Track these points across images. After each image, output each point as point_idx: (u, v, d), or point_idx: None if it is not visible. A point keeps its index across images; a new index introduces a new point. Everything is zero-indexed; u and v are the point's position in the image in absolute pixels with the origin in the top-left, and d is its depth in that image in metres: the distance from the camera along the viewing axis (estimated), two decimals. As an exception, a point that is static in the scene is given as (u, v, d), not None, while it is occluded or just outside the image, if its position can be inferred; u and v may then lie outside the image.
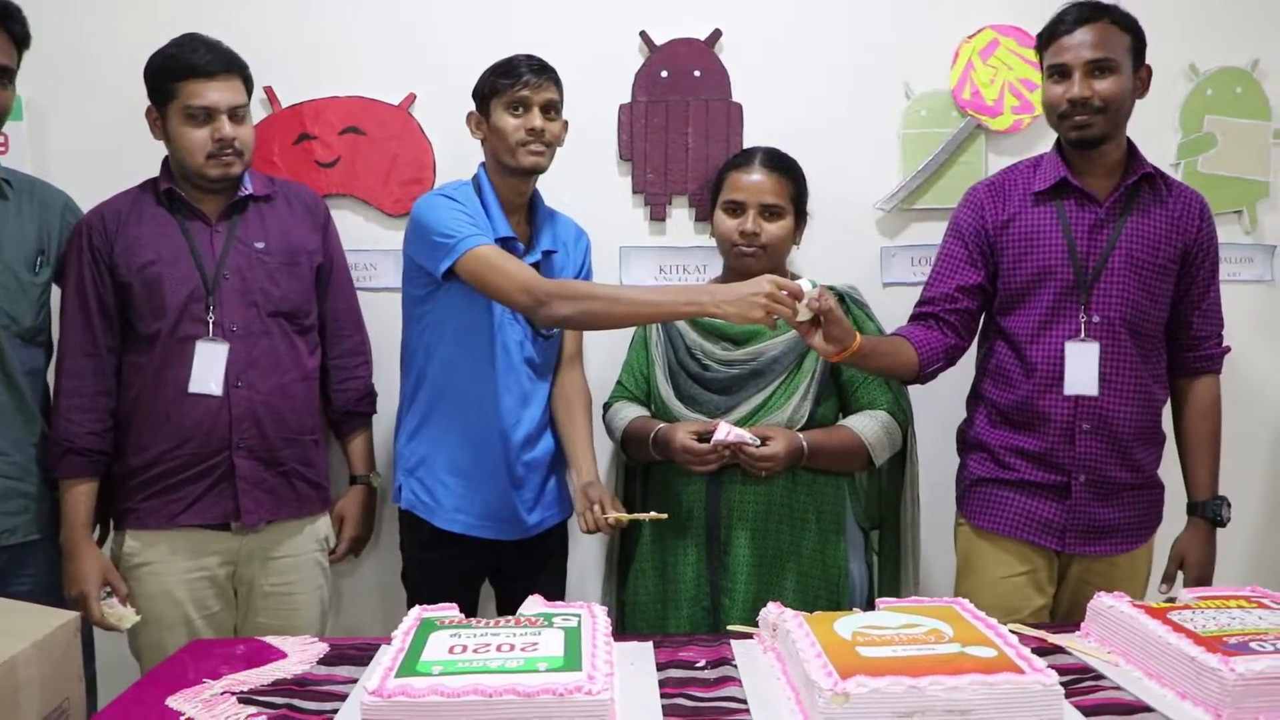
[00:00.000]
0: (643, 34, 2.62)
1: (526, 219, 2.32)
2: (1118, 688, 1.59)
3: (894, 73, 2.66)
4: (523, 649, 1.50)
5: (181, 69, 2.16)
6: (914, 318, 2.33)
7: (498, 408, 2.26)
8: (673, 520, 2.21)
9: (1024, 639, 1.67)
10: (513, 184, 2.27)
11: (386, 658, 1.52)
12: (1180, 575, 2.28)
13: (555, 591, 2.39)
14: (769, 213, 2.24)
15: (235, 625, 2.31)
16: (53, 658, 1.62)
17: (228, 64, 2.19)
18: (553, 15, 2.61)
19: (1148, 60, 2.17)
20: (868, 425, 2.21)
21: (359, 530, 2.48)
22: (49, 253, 2.22)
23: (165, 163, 2.27)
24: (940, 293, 2.29)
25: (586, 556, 2.63)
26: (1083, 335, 2.17)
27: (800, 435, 2.16)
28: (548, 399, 2.35)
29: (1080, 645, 1.76)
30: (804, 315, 1.97)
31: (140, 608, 2.19)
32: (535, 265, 2.25)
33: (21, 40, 2.12)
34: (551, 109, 2.24)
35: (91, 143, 2.56)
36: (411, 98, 2.62)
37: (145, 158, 2.30)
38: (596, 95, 2.58)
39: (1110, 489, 2.20)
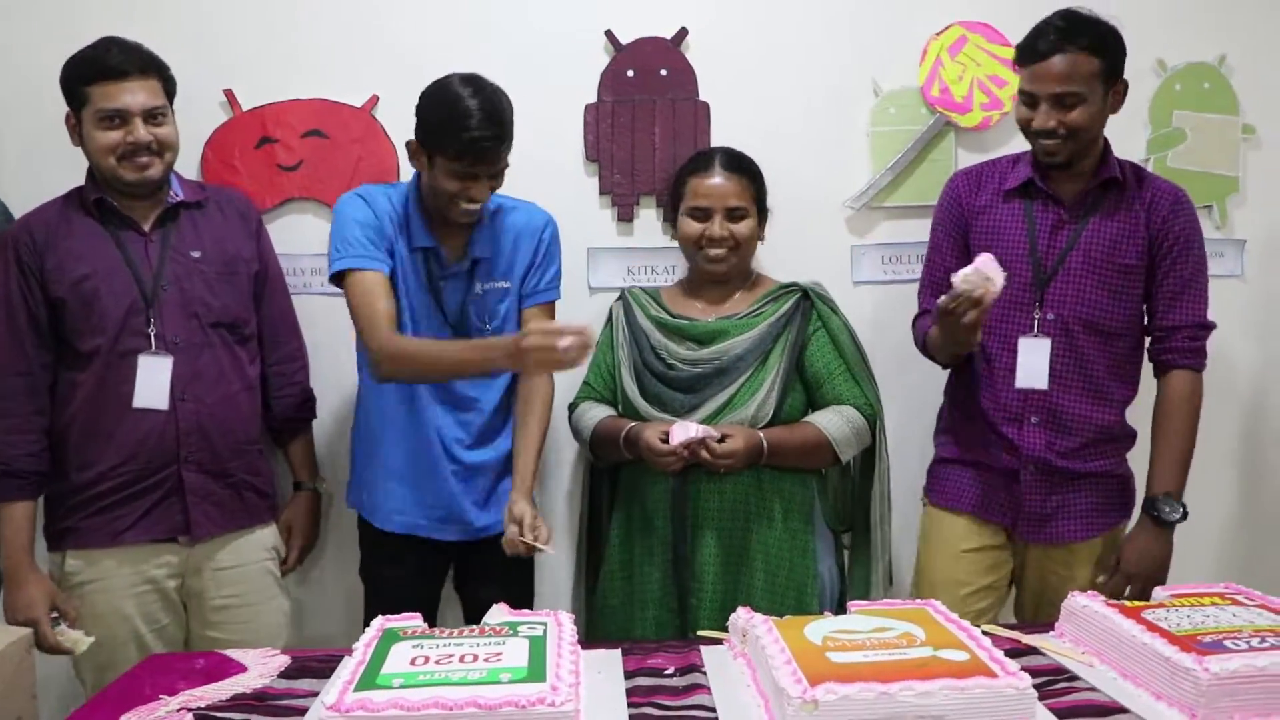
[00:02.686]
0: (608, 33, 2.59)
1: (459, 226, 2.20)
2: (1092, 689, 1.58)
3: (862, 70, 2.64)
4: (486, 659, 1.47)
5: (93, 72, 2.08)
6: (920, 315, 2.35)
7: (430, 409, 2.22)
8: (640, 520, 2.21)
9: (997, 640, 1.66)
10: None
11: (346, 670, 1.49)
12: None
13: (522, 597, 2.35)
14: (734, 215, 2.24)
15: (185, 639, 2.26)
16: (4, 675, 1.58)
17: (143, 65, 2.11)
18: (517, 15, 2.57)
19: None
20: (832, 421, 2.20)
21: (307, 538, 2.46)
22: None
23: (91, 172, 2.18)
24: (938, 290, 2.27)
25: (557, 562, 2.59)
26: (1035, 331, 2.20)
27: (760, 433, 2.14)
28: (500, 399, 2.30)
29: (1054, 646, 1.75)
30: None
31: (89, 629, 2.11)
32: (464, 272, 2.20)
33: None
34: (498, 175, 2.13)
35: (41, 151, 2.45)
36: (374, 100, 2.57)
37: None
38: (562, 95, 2.55)
39: (1060, 478, 2.22)
